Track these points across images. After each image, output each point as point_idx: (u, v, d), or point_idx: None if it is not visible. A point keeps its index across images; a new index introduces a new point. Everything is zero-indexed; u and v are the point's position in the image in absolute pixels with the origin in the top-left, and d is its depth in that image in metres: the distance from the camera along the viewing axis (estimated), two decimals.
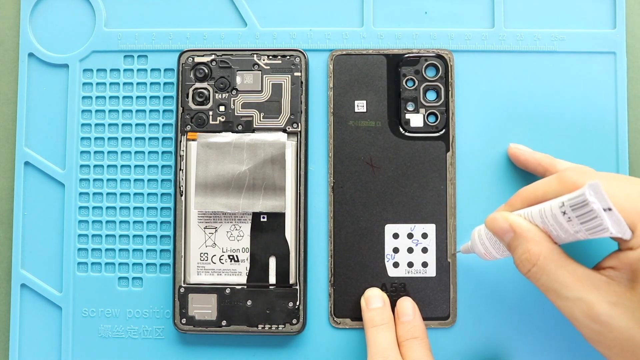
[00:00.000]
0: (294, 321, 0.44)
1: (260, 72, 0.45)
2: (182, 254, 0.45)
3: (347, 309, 0.45)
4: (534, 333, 0.45)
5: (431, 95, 0.45)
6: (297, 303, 0.44)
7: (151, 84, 0.47)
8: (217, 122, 0.45)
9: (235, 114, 0.45)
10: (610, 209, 0.31)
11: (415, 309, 0.43)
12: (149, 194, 0.46)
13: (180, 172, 0.45)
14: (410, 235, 0.45)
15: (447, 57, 0.45)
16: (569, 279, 0.33)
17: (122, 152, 0.46)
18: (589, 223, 0.32)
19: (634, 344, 0.32)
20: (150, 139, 0.46)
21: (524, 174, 0.45)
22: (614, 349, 0.33)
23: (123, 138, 0.47)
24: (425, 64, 0.45)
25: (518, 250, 0.35)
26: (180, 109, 0.45)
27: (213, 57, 0.45)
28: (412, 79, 0.45)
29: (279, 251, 0.45)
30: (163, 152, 0.46)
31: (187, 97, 0.45)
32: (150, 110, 0.47)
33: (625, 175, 0.36)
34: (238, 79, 0.45)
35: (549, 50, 0.46)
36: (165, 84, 0.47)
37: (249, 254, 0.45)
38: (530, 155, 0.43)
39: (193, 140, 0.45)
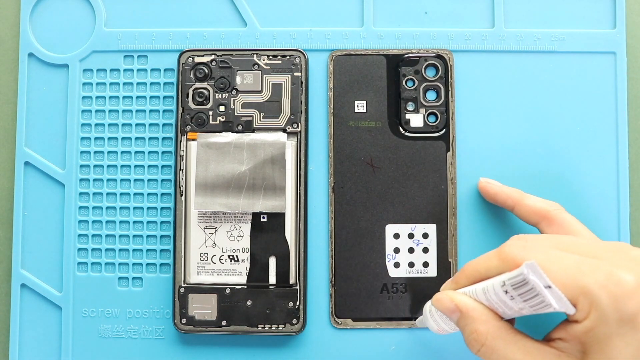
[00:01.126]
0: (294, 321, 0.44)
1: (260, 72, 0.45)
2: (182, 254, 0.45)
3: (349, 309, 0.45)
4: (532, 333, 0.45)
5: (431, 95, 0.45)
6: (297, 303, 0.44)
7: (151, 84, 0.47)
8: (217, 122, 0.45)
9: (235, 114, 0.45)
10: (550, 287, 0.31)
11: None
12: (149, 194, 0.46)
13: (180, 172, 0.45)
14: (411, 235, 0.45)
15: (447, 57, 0.45)
16: (518, 355, 0.33)
17: (122, 152, 0.46)
18: (532, 300, 0.32)
19: None
20: (150, 139, 0.46)
21: (524, 175, 0.45)
22: None
23: (123, 138, 0.47)
24: (425, 64, 0.45)
25: (466, 330, 0.35)
26: (180, 109, 0.45)
27: (213, 57, 0.45)
28: (412, 79, 0.45)
29: (279, 251, 0.45)
30: (163, 152, 0.46)
31: (187, 97, 0.45)
32: (150, 110, 0.47)
33: (568, 240, 0.35)
34: (238, 79, 0.45)
35: (549, 50, 0.46)
36: (165, 84, 0.47)
37: (249, 254, 0.45)
38: (500, 189, 0.43)
39: (193, 140, 0.45)
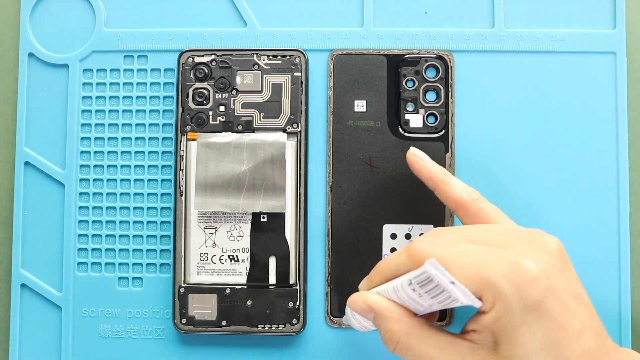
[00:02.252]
0: (294, 321, 0.44)
1: (260, 72, 0.45)
2: (182, 254, 0.45)
3: (344, 308, 0.45)
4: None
5: (431, 96, 0.45)
6: (297, 303, 0.44)
7: (151, 84, 0.47)
8: (217, 122, 0.45)
9: (235, 114, 0.45)
10: (453, 282, 0.31)
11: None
12: (149, 194, 0.46)
13: (180, 172, 0.45)
14: (408, 236, 0.45)
15: (448, 58, 0.45)
16: (433, 351, 0.34)
17: (122, 152, 0.46)
18: (439, 297, 0.32)
19: None
20: (150, 139, 0.46)
21: (523, 175, 0.45)
22: None
23: (123, 138, 0.47)
24: (426, 65, 0.45)
25: (381, 329, 0.35)
26: (180, 109, 0.45)
27: (213, 57, 0.45)
28: (412, 80, 0.45)
29: (279, 251, 0.45)
30: (163, 152, 0.46)
31: (187, 97, 0.45)
32: (150, 110, 0.47)
33: (476, 230, 0.36)
34: (238, 79, 0.45)
35: (549, 50, 0.46)
36: (165, 84, 0.47)
37: (249, 254, 0.45)
38: (424, 166, 0.41)
39: (193, 140, 0.45)
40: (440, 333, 0.35)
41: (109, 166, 0.47)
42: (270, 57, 0.45)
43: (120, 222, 0.46)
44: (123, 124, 0.47)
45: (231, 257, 0.45)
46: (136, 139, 0.47)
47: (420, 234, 0.45)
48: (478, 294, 0.32)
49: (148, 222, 0.46)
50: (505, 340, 0.32)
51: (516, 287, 0.31)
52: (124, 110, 0.47)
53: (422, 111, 0.45)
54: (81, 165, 0.47)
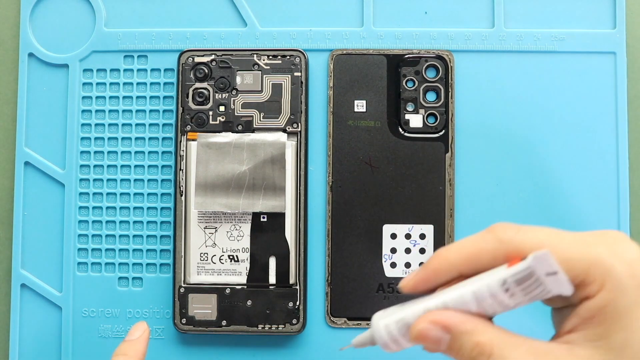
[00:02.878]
0: (294, 321, 0.44)
1: (260, 72, 0.45)
2: (182, 254, 0.45)
3: (344, 308, 0.45)
4: (530, 333, 0.45)
5: (431, 96, 0.45)
6: (297, 303, 0.44)
7: (151, 84, 0.47)
8: (217, 122, 0.45)
9: (235, 114, 0.45)
10: (555, 273, 0.29)
11: (144, 331, 0.41)
12: (149, 194, 0.46)
13: (180, 172, 0.45)
14: (408, 236, 0.45)
15: (447, 58, 0.45)
16: (529, 358, 0.29)
17: (122, 152, 0.47)
18: (532, 293, 0.30)
19: None
20: (150, 139, 0.47)
21: (523, 175, 0.45)
22: None
23: (123, 138, 0.47)
24: (426, 65, 0.45)
25: (465, 348, 0.30)
26: (180, 109, 0.45)
27: (213, 57, 0.45)
28: (412, 80, 0.45)
29: (279, 251, 0.45)
30: (163, 152, 0.46)
31: (187, 97, 0.45)
32: (150, 110, 0.47)
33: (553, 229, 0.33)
34: (238, 79, 0.45)
35: (549, 50, 0.46)
36: (165, 84, 0.47)
37: (249, 254, 0.45)
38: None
39: (193, 140, 0.45)
40: (531, 340, 0.30)
41: (109, 166, 0.47)
42: (270, 57, 0.45)
43: (120, 222, 0.46)
44: (123, 124, 0.47)
45: (231, 257, 0.45)
46: (136, 139, 0.47)
47: (421, 234, 0.45)
48: (582, 276, 0.29)
49: (148, 222, 0.46)
50: (618, 327, 0.29)
51: (627, 263, 0.28)
52: (124, 110, 0.47)
53: (422, 111, 0.45)
54: (81, 165, 0.47)
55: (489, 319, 0.31)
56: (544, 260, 0.28)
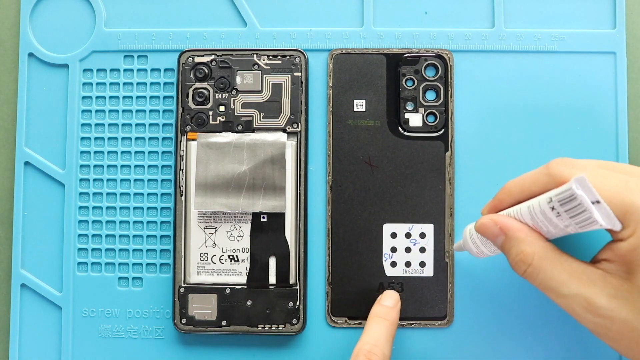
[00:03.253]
0: (294, 321, 0.44)
1: (260, 72, 0.45)
2: (182, 254, 0.45)
3: (345, 308, 0.45)
4: (531, 333, 0.45)
5: (430, 95, 0.45)
6: (297, 303, 0.44)
7: (151, 84, 0.47)
8: (217, 122, 0.45)
9: (235, 114, 0.45)
10: (598, 202, 0.31)
11: (397, 302, 0.43)
12: (149, 194, 0.46)
13: (180, 172, 0.45)
14: (408, 235, 0.45)
15: (447, 57, 0.45)
16: (564, 275, 0.33)
17: (122, 152, 0.47)
18: (578, 217, 0.32)
19: (638, 334, 0.32)
20: (150, 139, 0.47)
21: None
22: (620, 341, 0.33)
23: (123, 138, 0.47)
24: (425, 64, 0.45)
25: (512, 252, 0.35)
26: (180, 109, 0.45)
27: (213, 57, 0.45)
28: (411, 79, 0.45)
29: (279, 251, 0.45)
30: (163, 152, 0.46)
31: (187, 97, 0.45)
32: (150, 110, 0.47)
33: (612, 163, 0.36)
34: (238, 79, 0.45)
35: (549, 50, 0.46)
36: (165, 84, 0.47)
37: (249, 254, 0.45)
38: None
39: (193, 140, 0.45)
40: (572, 259, 0.34)
41: (109, 166, 0.47)
42: (270, 57, 0.45)
43: (120, 222, 0.46)
44: (123, 124, 0.47)
45: (231, 257, 0.45)
46: (136, 139, 0.47)
47: (421, 233, 0.45)
48: (619, 219, 0.32)
49: (148, 222, 0.46)
50: None
51: None
52: (124, 110, 0.47)
53: (421, 110, 0.45)
54: (81, 165, 0.47)
55: (547, 240, 0.35)
56: (583, 185, 0.31)
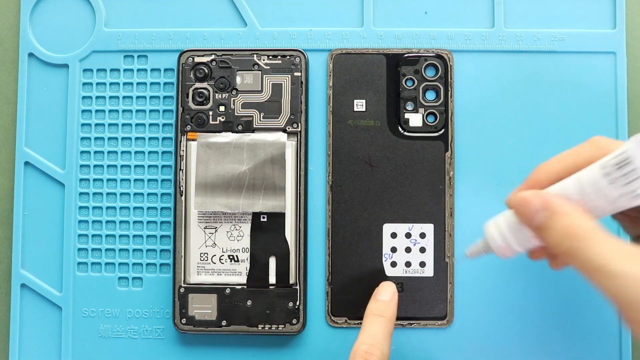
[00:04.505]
0: (294, 321, 0.44)
1: (260, 72, 0.45)
2: (182, 254, 0.45)
3: (345, 308, 0.45)
4: (531, 333, 0.45)
5: (430, 95, 0.45)
6: (297, 303, 0.44)
7: (151, 84, 0.47)
8: (217, 122, 0.45)
9: (235, 114, 0.45)
10: None
11: (394, 294, 0.42)
12: (149, 194, 0.46)
13: (180, 172, 0.45)
14: (408, 235, 0.45)
15: (447, 57, 0.45)
16: (614, 254, 0.30)
17: (122, 152, 0.47)
18: (631, 185, 0.31)
19: None
20: (150, 139, 0.47)
21: (523, 175, 0.45)
22: None
23: (123, 138, 0.47)
24: (425, 64, 0.45)
25: (555, 226, 0.32)
26: (180, 109, 0.45)
27: (213, 57, 0.45)
28: (411, 79, 0.45)
29: (279, 251, 0.45)
30: (163, 152, 0.46)
31: (187, 97, 0.45)
32: (150, 110, 0.47)
33: None
34: (238, 79, 0.45)
35: (549, 50, 0.46)
36: (165, 84, 0.47)
37: (249, 254, 0.45)
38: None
39: (193, 140, 0.45)
40: (614, 236, 0.31)
41: (109, 166, 0.47)
42: (270, 57, 0.45)
43: (120, 222, 0.46)
44: (123, 124, 0.47)
45: (231, 257, 0.45)
46: (136, 139, 0.47)
47: (421, 233, 0.45)
48: None
49: (148, 222, 0.46)
50: None
51: None
52: (124, 110, 0.47)
53: (421, 110, 0.45)
54: (81, 165, 0.47)
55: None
56: None
